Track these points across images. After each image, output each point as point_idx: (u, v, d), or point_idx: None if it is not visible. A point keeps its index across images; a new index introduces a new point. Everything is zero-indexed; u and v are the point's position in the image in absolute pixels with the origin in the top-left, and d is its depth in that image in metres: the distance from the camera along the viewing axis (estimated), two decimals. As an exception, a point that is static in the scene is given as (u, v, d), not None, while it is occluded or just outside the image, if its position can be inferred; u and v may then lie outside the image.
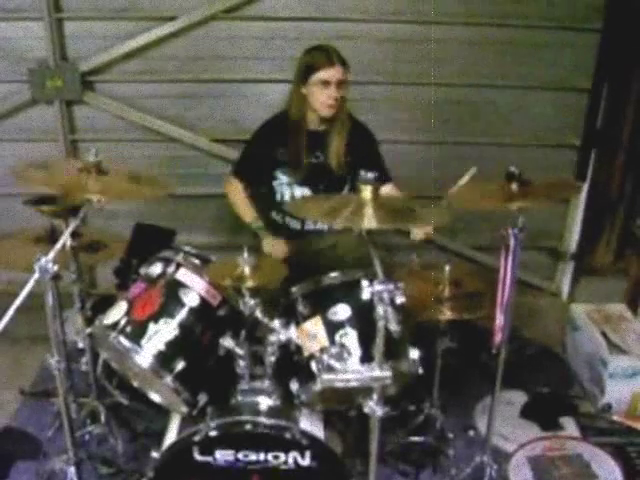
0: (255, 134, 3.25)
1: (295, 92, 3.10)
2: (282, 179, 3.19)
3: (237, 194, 3.26)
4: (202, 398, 2.45)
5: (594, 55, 4.02)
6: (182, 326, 2.41)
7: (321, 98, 3.02)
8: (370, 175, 2.09)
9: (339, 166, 3.15)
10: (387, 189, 3.13)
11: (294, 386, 2.40)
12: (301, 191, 3.21)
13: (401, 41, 3.98)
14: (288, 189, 3.21)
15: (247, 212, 3.21)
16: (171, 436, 2.50)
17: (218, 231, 4.28)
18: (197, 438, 2.33)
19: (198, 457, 2.34)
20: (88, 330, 2.70)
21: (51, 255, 2.06)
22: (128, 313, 2.43)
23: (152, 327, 2.38)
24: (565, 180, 2.64)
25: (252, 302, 2.38)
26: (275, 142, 3.15)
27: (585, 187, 4.23)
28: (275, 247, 3.08)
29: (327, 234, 3.23)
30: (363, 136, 3.23)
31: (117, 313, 2.45)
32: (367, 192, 2.09)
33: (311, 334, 2.35)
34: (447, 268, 2.78)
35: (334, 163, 3.14)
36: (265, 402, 2.46)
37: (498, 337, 2.42)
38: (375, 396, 2.04)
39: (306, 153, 3.15)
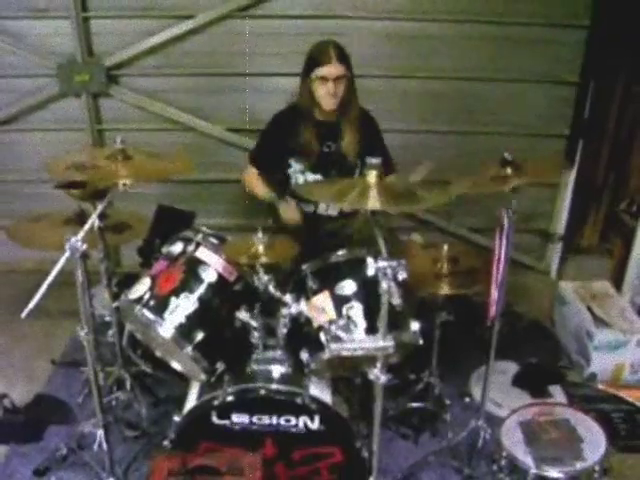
0: (268, 124, 3.22)
1: (303, 84, 3.06)
2: (295, 167, 3.14)
3: (253, 179, 3.25)
4: (219, 366, 2.46)
5: (582, 51, 3.98)
6: (201, 300, 2.42)
7: (321, 92, 2.99)
8: (376, 160, 2.09)
9: (354, 155, 3.11)
10: (391, 179, 3.06)
11: (304, 355, 2.40)
12: (314, 177, 3.16)
13: (400, 37, 3.96)
14: (302, 176, 3.16)
15: (262, 189, 3.22)
16: (191, 401, 2.52)
17: (233, 213, 4.29)
18: (215, 403, 2.35)
19: (216, 420, 2.36)
20: (114, 304, 2.71)
21: (80, 235, 2.06)
22: (151, 288, 2.45)
23: (174, 301, 2.40)
24: (553, 159, 2.61)
25: (266, 278, 2.40)
26: (287, 132, 3.10)
27: (573, 173, 4.22)
28: (289, 211, 3.10)
29: (337, 218, 3.22)
30: (370, 126, 3.19)
31: (141, 288, 2.46)
32: (372, 176, 2.09)
33: (320, 307, 2.34)
34: (445, 247, 2.77)
35: (350, 153, 3.11)
36: (277, 370, 2.48)
37: (492, 311, 2.41)
38: (379, 364, 2.04)
39: (318, 142, 3.11)
